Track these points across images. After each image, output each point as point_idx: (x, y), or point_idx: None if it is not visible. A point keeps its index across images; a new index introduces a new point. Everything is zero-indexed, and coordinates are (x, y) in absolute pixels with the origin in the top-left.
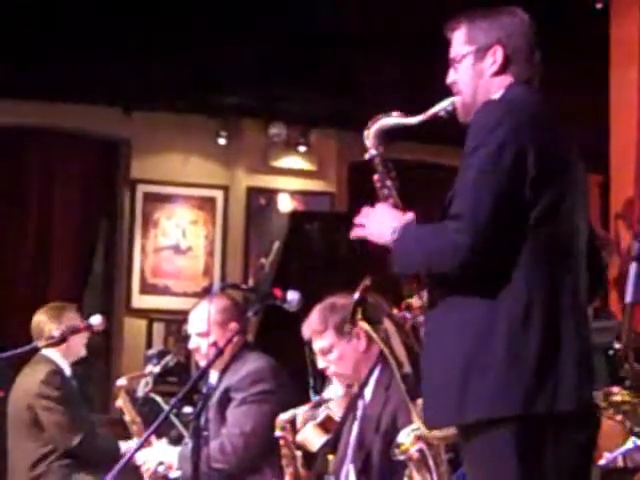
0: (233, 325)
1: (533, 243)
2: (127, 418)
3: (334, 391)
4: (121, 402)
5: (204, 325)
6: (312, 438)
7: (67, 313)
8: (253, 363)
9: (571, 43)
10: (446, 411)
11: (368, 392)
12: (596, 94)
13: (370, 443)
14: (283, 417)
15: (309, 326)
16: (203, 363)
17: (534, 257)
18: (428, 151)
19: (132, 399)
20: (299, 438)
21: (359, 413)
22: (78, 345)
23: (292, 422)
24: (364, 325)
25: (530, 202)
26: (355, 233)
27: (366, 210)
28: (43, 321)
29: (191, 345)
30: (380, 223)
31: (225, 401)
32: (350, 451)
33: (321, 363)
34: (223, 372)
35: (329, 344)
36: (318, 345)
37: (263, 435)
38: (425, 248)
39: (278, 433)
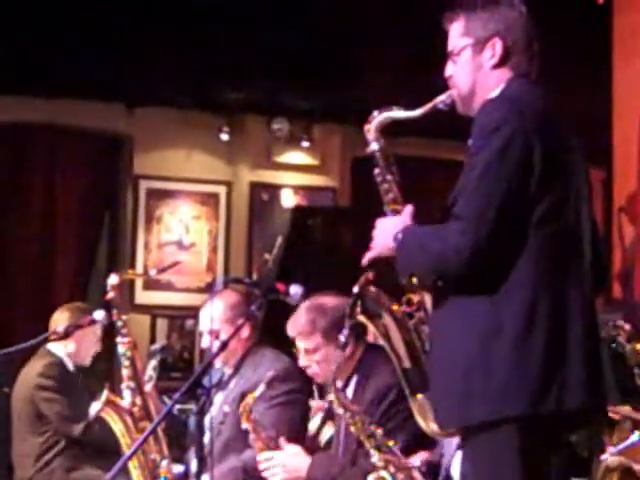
0: (243, 320)
1: (537, 241)
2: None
3: None
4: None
5: (215, 323)
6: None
7: (85, 315)
8: (277, 362)
9: (574, 37)
10: (453, 412)
11: (349, 393)
12: (599, 88)
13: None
14: (247, 403)
15: (295, 326)
16: (218, 362)
17: (538, 255)
18: (429, 146)
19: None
20: (311, 427)
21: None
22: (86, 352)
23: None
24: (363, 319)
25: (535, 200)
26: (367, 256)
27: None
28: (61, 319)
29: (204, 344)
30: (382, 234)
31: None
32: (341, 447)
33: (302, 361)
34: (237, 367)
35: (314, 346)
36: (303, 345)
37: (295, 436)
38: (427, 251)
39: (245, 425)
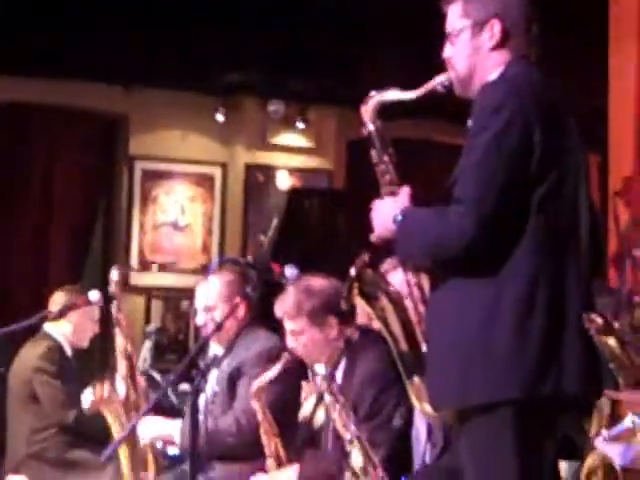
0: (239, 299)
1: (537, 224)
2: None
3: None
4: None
5: (211, 300)
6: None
7: (79, 296)
8: (266, 341)
9: (569, 21)
10: (450, 393)
11: (338, 376)
12: (594, 73)
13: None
14: (259, 385)
15: (282, 307)
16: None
17: (538, 237)
18: (424, 128)
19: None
20: (302, 412)
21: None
22: (84, 334)
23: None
24: (360, 301)
25: (534, 182)
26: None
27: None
28: (57, 300)
29: (198, 321)
30: (381, 216)
31: (237, 376)
32: (330, 435)
33: (290, 342)
34: (231, 347)
35: (300, 328)
36: (289, 326)
37: (281, 413)
38: (428, 234)
39: (255, 404)
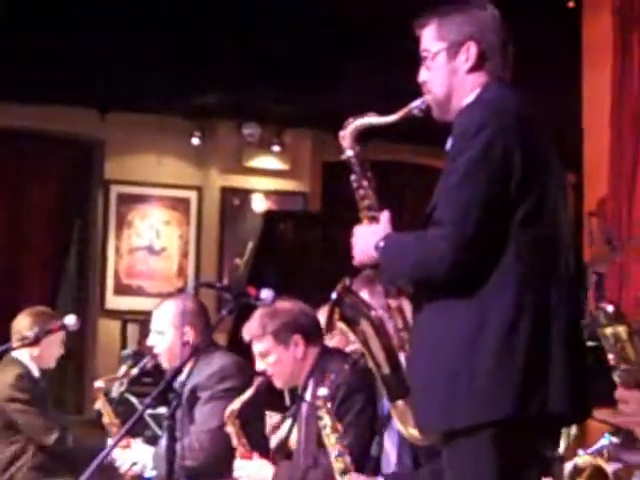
0: (187, 329)
1: (519, 245)
2: (106, 420)
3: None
4: (100, 404)
5: (162, 324)
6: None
7: (50, 320)
8: (218, 361)
9: (543, 42)
10: (435, 416)
11: (308, 396)
12: (569, 94)
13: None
14: (233, 409)
15: (249, 330)
16: (163, 361)
17: (521, 258)
18: (405, 151)
19: (109, 400)
20: (281, 433)
21: (303, 415)
22: (50, 356)
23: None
24: (341, 325)
25: (515, 204)
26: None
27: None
28: (24, 324)
29: (150, 341)
30: (362, 242)
31: (193, 400)
32: (301, 450)
33: (260, 365)
34: (191, 371)
35: (266, 349)
36: (257, 348)
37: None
38: (410, 259)
39: (229, 429)
